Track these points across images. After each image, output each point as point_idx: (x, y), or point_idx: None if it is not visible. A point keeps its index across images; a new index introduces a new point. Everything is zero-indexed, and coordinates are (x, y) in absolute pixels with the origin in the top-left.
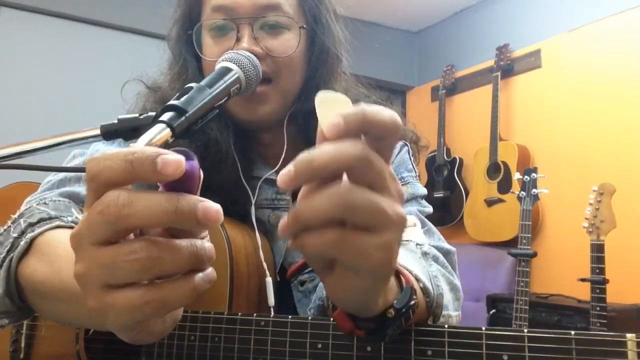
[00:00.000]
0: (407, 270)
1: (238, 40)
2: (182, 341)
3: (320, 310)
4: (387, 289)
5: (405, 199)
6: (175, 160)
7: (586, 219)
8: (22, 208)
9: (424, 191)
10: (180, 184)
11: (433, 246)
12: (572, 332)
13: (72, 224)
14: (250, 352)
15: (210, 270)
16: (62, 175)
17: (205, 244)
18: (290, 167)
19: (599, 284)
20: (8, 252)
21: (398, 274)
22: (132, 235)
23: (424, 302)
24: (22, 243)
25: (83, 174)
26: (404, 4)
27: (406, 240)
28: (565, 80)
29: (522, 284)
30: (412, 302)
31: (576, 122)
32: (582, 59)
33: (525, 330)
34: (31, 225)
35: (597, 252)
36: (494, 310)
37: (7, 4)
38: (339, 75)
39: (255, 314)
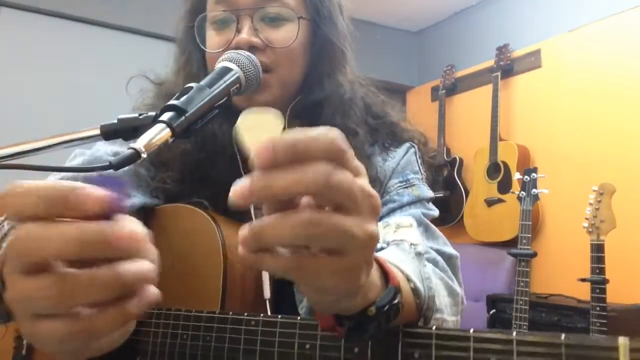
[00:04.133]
0: (399, 269)
1: (238, 31)
2: (175, 340)
3: (310, 310)
4: (369, 287)
5: (410, 201)
6: (91, 196)
7: (586, 219)
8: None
9: (431, 194)
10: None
11: (435, 250)
12: (562, 336)
13: None
14: (240, 351)
15: (149, 292)
16: (58, 176)
17: (131, 266)
18: (245, 183)
19: (599, 284)
20: None
21: (385, 272)
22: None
23: (414, 303)
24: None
25: (79, 174)
26: (404, 4)
27: (400, 240)
28: (565, 80)
29: (522, 284)
30: (395, 301)
31: (576, 122)
32: (582, 59)
33: (514, 334)
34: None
35: (597, 252)
36: (494, 310)
37: (7, 4)
38: (343, 67)
39: (246, 314)
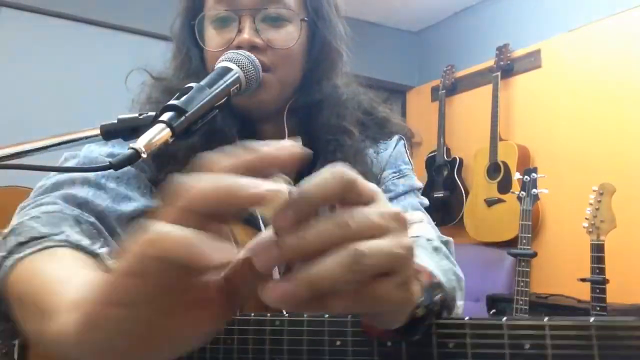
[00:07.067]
0: (422, 266)
1: (239, 31)
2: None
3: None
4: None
5: (404, 191)
6: None
7: (586, 219)
8: (15, 221)
9: (421, 184)
10: None
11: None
12: (591, 319)
13: (63, 243)
14: (265, 352)
15: None
16: (55, 178)
17: None
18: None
19: (599, 284)
20: None
21: (420, 272)
22: None
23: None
24: (9, 263)
25: (77, 175)
26: (404, 4)
27: (416, 236)
28: (565, 80)
29: (522, 284)
30: (437, 296)
31: (576, 122)
32: (582, 59)
33: (546, 319)
34: (20, 244)
35: (597, 252)
36: (493, 311)
37: (7, 4)
38: (340, 70)
39: (269, 314)
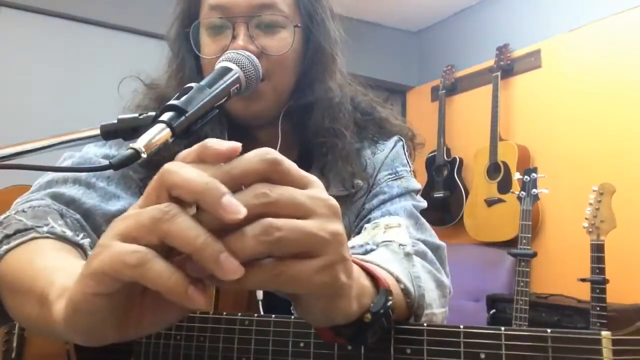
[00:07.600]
0: (388, 271)
1: (234, 38)
2: (168, 340)
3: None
4: (362, 293)
5: (399, 193)
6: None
7: (586, 219)
8: (2, 216)
9: (419, 186)
10: None
11: (423, 241)
12: (549, 330)
13: (47, 235)
14: (234, 351)
15: None
16: (50, 176)
17: None
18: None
19: (599, 284)
20: None
21: (375, 278)
22: None
23: (405, 302)
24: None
25: (70, 174)
26: (404, 4)
27: (389, 241)
28: (565, 80)
29: (522, 284)
30: (388, 303)
31: (576, 122)
32: (582, 59)
33: (502, 328)
34: (7, 236)
35: (597, 252)
36: (494, 310)
37: (7, 4)
38: (333, 73)
39: (239, 314)
